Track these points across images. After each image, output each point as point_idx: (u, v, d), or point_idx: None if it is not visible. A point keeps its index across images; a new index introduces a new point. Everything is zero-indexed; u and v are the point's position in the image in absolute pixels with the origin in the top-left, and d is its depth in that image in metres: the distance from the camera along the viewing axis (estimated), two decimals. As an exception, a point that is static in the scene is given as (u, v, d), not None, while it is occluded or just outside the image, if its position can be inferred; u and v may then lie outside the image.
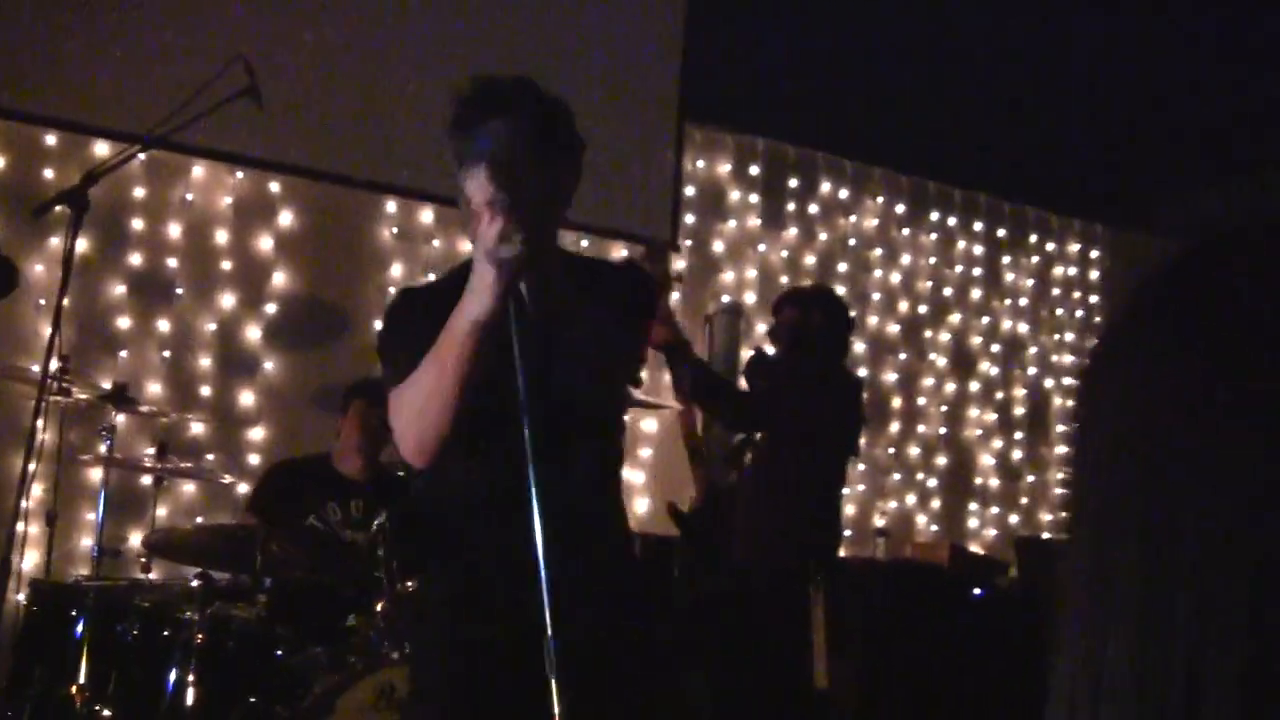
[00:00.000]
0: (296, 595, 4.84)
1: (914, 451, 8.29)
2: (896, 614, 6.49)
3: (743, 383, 6.16)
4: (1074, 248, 9.13)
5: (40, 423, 4.57)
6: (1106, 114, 7.93)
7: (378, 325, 6.67)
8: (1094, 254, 9.19)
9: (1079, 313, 9.11)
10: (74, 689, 4.61)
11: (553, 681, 2.23)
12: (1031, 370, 8.85)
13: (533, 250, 2.37)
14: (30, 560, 5.66)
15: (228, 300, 6.57)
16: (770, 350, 6.04)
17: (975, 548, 8.07)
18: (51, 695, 4.73)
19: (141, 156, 5.24)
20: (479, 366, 2.45)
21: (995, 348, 8.71)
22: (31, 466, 4.50)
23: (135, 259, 6.39)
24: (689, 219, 7.70)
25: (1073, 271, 9.12)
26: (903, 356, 8.32)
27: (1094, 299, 9.16)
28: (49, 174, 6.23)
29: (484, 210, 2.41)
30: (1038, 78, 7.77)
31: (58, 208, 4.67)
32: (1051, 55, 7.70)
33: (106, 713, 4.62)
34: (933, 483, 8.33)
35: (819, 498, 5.59)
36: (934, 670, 6.33)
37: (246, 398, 6.56)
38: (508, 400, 2.44)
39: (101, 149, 6.24)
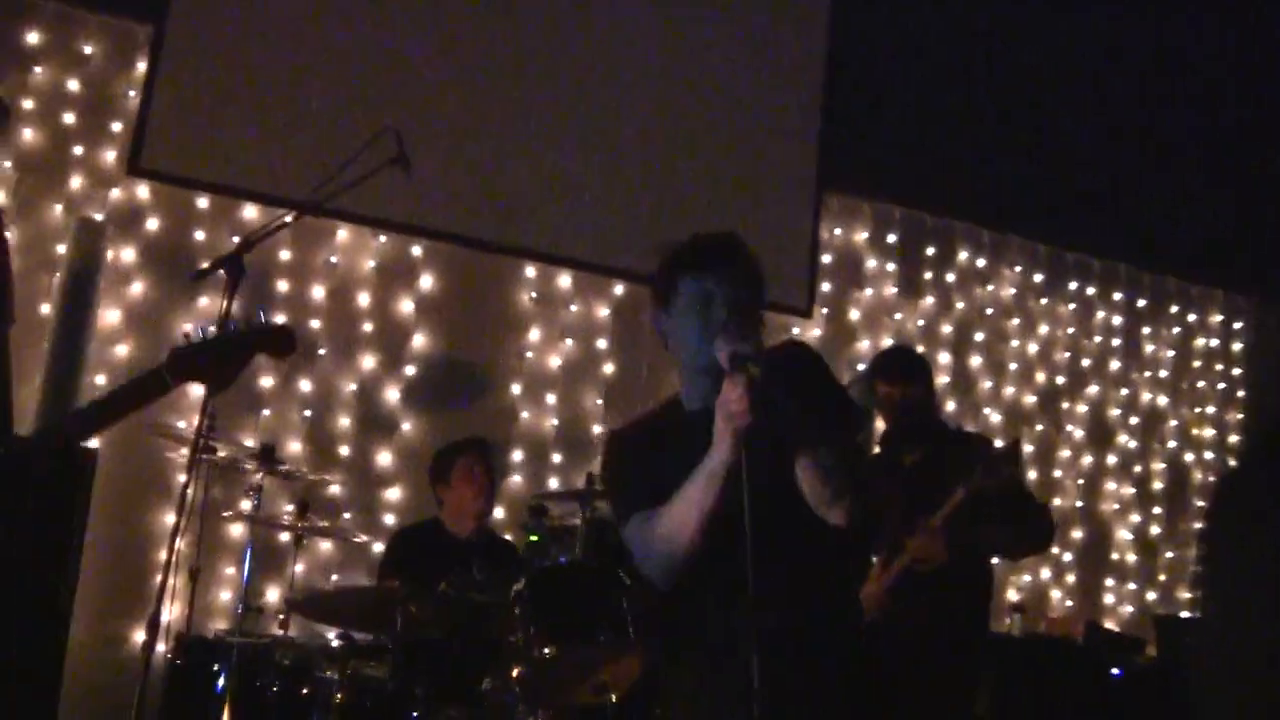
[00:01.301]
0: (433, 657, 4.88)
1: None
2: (1031, 689, 6.37)
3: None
4: (1216, 318, 8.95)
5: (189, 478, 4.67)
6: (1251, 184, 7.81)
7: (515, 388, 6.80)
8: (1237, 325, 9.00)
9: (1220, 385, 8.92)
10: (216, 742, 4.69)
11: None
12: (1171, 443, 8.67)
13: (761, 415, 2.71)
14: (171, 614, 5.76)
15: (368, 362, 6.68)
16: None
17: (1111, 624, 7.90)
18: (195, 747, 4.82)
19: (289, 220, 5.35)
20: (721, 500, 2.80)
21: (1134, 420, 8.55)
22: (180, 521, 4.60)
23: (280, 319, 6.49)
24: (825, 287, 7.69)
25: (1214, 343, 8.94)
26: (1039, 428, 8.20)
27: (1236, 371, 8.96)
28: (200, 235, 6.40)
29: (729, 375, 2.75)
30: (1179, 147, 7.68)
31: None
32: (1194, 125, 7.61)
33: (247, 767, 4.69)
34: (1068, 557, 8.18)
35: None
36: None
37: (384, 458, 6.65)
38: (732, 522, 2.70)
39: (250, 212, 6.41)
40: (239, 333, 3.20)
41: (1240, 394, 8.94)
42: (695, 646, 3.05)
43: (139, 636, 5.76)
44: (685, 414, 3.14)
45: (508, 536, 5.97)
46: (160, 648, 5.18)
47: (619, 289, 7.09)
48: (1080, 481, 8.30)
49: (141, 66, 6.40)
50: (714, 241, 3.10)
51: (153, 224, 6.38)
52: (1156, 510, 8.52)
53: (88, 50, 6.40)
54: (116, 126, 6.37)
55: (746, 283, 3.05)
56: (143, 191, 6.40)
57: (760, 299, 3.06)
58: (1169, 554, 8.49)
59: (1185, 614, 8.29)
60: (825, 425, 2.95)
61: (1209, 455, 8.75)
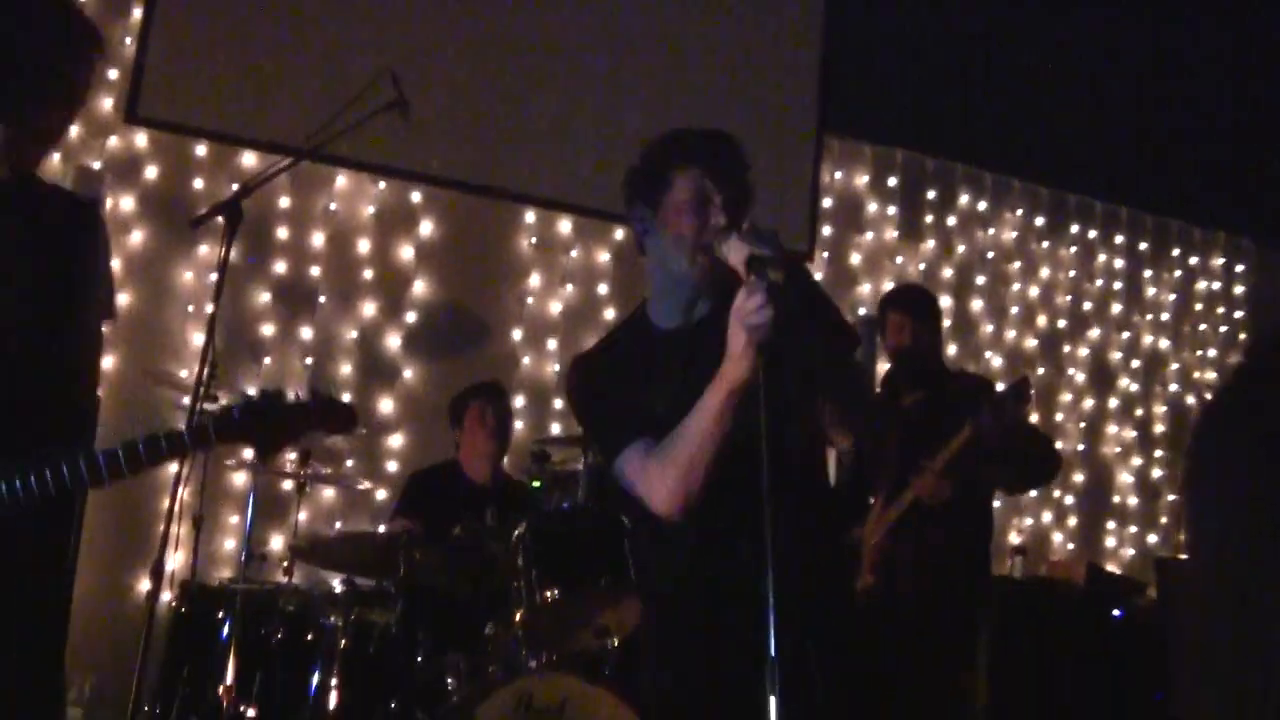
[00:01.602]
0: (437, 603, 4.90)
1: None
2: (1032, 633, 6.39)
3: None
4: (1218, 262, 8.93)
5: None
6: (1251, 126, 7.76)
7: (515, 334, 6.78)
8: (1239, 268, 8.98)
9: (1222, 328, 8.90)
10: (221, 689, 4.72)
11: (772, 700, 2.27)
12: (1173, 387, 8.66)
13: (780, 315, 2.49)
14: (176, 562, 5.78)
15: (369, 309, 6.67)
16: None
17: (1112, 567, 7.92)
18: (199, 694, 4.85)
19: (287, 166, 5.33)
20: (736, 422, 2.61)
21: (1135, 363, 8.54)
22: (183, 470, 4.61)
23: (280, 267, 6.51)
24: (826, 230, 7.67)
25: (1216, 286, 8.92)
26: (1041, 371, 8.19)
27: (1238, 314, 8.95)
28: (199, 184, 6.37)
29: (743, 273, 2.54)
30: (1182, 90, 7.63)
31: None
32: (1195, 66, 7.56)
33: (251, 713, 4.73)
34: (1070, 500, 8.19)
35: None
36: (1068, 691, 6.23)
37: (386, 405, 6.65)
38: (740, 447, 2.57)
39: (248, 159, 6.38)
40: (301, 404, 3.02)
41: (1242, 337, 8.92)
42: (697, 584, 2.85)
43: (144, 585, 5.77)
44: (658, 333, 2.95)
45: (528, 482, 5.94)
46: (165, 596, 5.19)
47: (619, 234, 7.07)
48: (1082, 425, 8.31)
49: (137, 13, 6.36)
50: (710, 136, 2.91)
51: (151, 172, 6.36)
52: (1158, 453, 8.53)
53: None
54: (113, 74, 6.33)
55: (744, 184, 2.85)
56: (140, 139, 6.37)
57: (751, 205, 2.85)
58: (1170, 497, 8.50)
59: (1186, 556, 8.30)
60: (837, 340, 2.88)
61: (1211, 398, 8.74)
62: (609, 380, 2.94)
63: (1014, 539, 7.81)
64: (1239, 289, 8.97)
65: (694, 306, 2.89)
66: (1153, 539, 8.37)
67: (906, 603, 4.99)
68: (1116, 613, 6.67)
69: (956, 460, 4.89)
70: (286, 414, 2.94)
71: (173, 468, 4.83)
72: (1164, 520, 8.46)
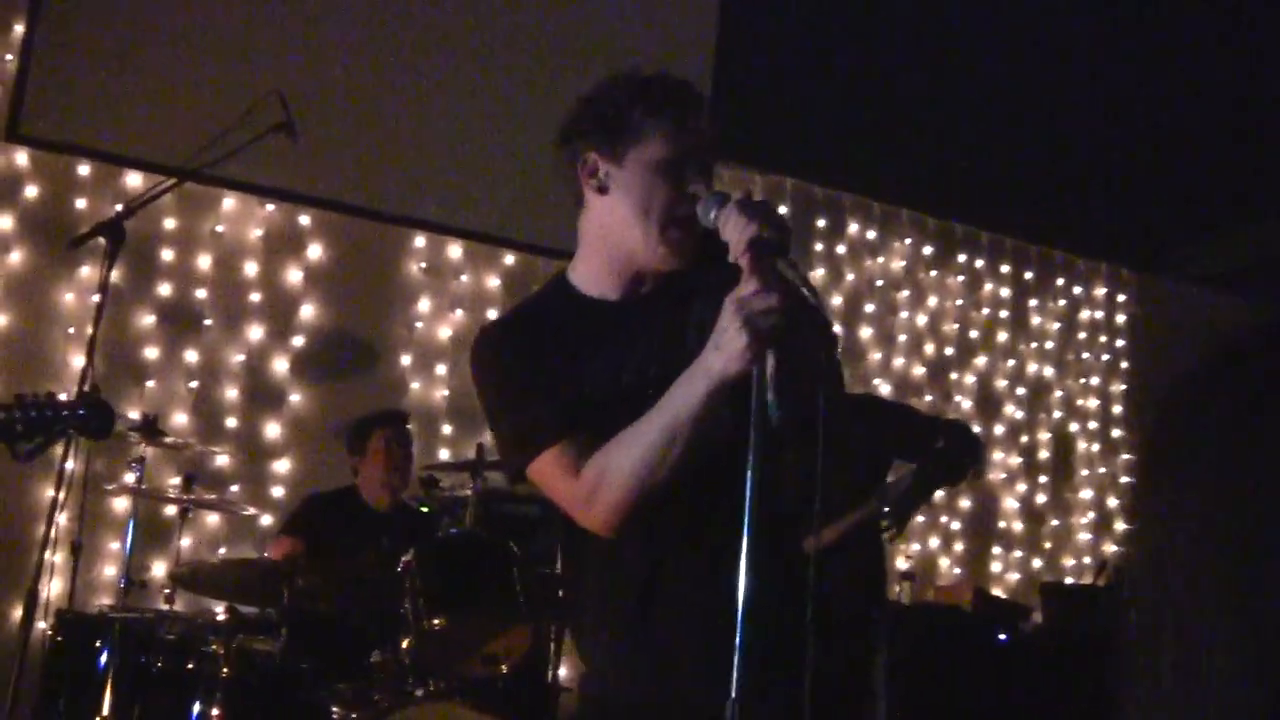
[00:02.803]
0: (321, 630, 4.84)
1: (938, 494, 8.24)
2: (920, 657, 6.44)
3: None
4: (1100, 291, 9.10)
5: (70, 453, 4.59)
6: (1133, 159, 7.92)
7: (404, 359, 6.73)
8: (1120, 298, 9.16)
9: (1105, 356, 9.07)
10: (98, 719, 4.61)
11: None
12: (1056, 414, 8.81)
13: (791, 313, 2.17)
14: (54, 589, 5.66)
15: (255, 332, 6.58)
16: None
17: (999, 592, 8.02)
18: (75, 725, 4.73)
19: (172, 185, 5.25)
20: (714, 426, 2.26)
21: (1020, 391, 8.68)
22: (60, 495, 4.51)
23: (164, 289, 6.41)
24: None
25: (1099, 315, 9.09)
26: (928, 398, 8.29)
27: (1120, 343, 9.13)
28: (81, 204, 6.25)
29: (740, 253, 2.21)
30: (1065, 122, 7.76)
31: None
32: (1079, 100, 7.69)
33: (130, 744, 4.62)
34: (956, 525, 8.29)
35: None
36: (958, 715, 6.28)
37: (272, 430, 6.56)
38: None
39: (134, 179, 6.28)
40: (59, 405, 3.11)
41: (1124, 365, 9.10)
42: (649, 609, 2.46)
43: (17, 614, 5.62)
44: (587, 301, 2.54)
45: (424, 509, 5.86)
46: (40, 624, 5.07)
47: (509, 259, 7.06)
48: (968, 451, 8.40)
49: (19, 29, 6.23)
50: (690, 89, 2.55)
51: (31, 191, 6.22)
52: (1043, 479, 8.66)
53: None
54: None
55: (715, 151, 2.53)
56: (21, 158, 6.23)
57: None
58: (1054, 522, 8.63)
59: (1070, 580, 8.44)
60: (827, 338, 2.47)
61: (1093, 425, 8.90)
62: (527, 355, 2.49)
63: (901, 564, 7.88)
64: (1121, 318, 9.15)
65: (642, 280, 2.53)
66: (1037, 563, 8.49)
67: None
68: (1002, 636, 6.74)
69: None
70: (49, 415, 3.03)
71: (49, 492, 4.75)
72: (1048, 545, 8.59)
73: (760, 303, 2.15)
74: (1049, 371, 8.84)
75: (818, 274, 8.07)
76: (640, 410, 2.34)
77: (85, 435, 3.23)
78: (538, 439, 2.42)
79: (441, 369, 6.93)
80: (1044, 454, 8.71)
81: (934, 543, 8.19)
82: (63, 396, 3.15)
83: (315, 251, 6.74)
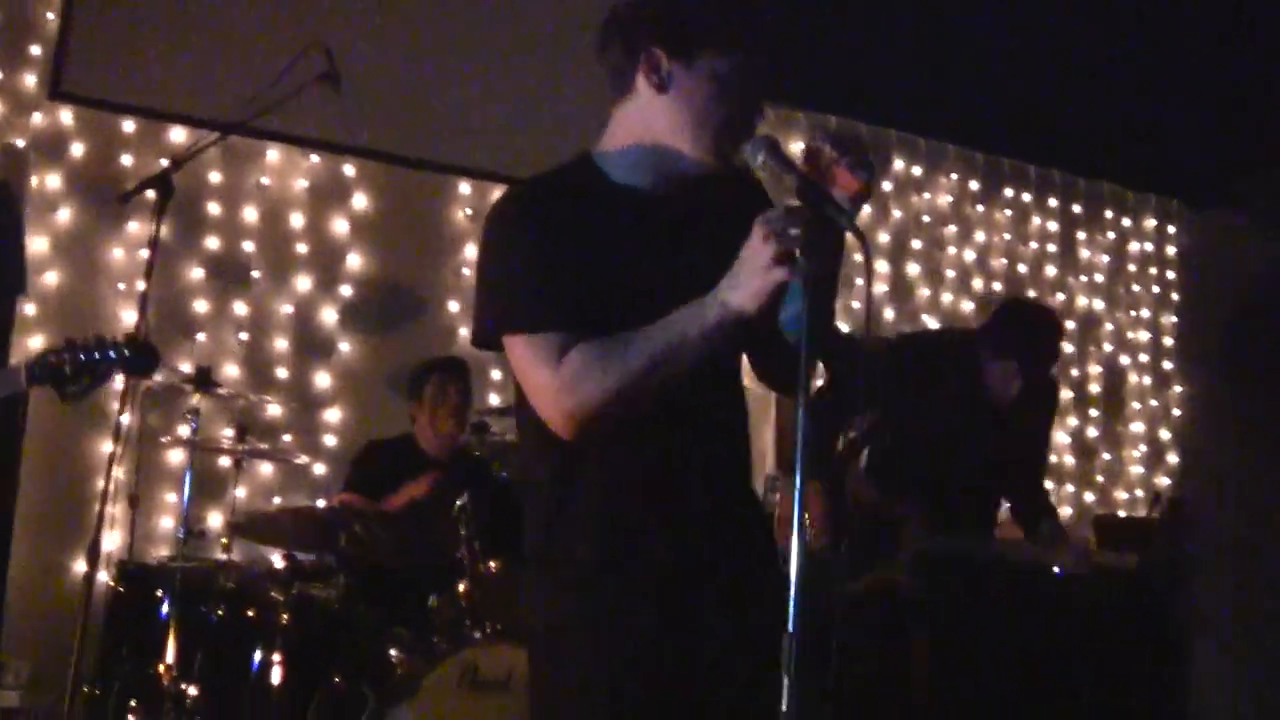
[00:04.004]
0: (379, 576, 4.88)
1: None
2: (979, 593, 6.44)
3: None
4: (1150, 223, 9.01)
5: (125, 405, 4.64)
6: (1183, 88, 7.82)
7: (453, 306, 6.75)
8: (1170, 229, 9.07)
9: (1155, 289, 8.99)
10: (161, 668, 4.68)
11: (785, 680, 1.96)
12: (1107, 347, 8.74)
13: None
14: (113, 541, 5.73)
15: (303, 283, 6.60)
16: None
17: (1051, 526, 7.99)
18: (139, 674, 4.81)
19: (217, 140, 5.26)
20: (713, 355, 2.24)
21: (1070, 325, 8.60)
22: (116, 449, 4.57)
23: (212, 243, 6.43)
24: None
25: (1149, 247, 9.00)
26: (977, 334, 8.24)
27: (1170, 275, 9.04)
28: (127, 160, 6.27)
29: (793, 212, 2.12)
30: (1113, 52, 7.66)
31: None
32: (1126, 30, 7.59)
33: (193, 691, 4.69)
34: (1008, 461, 8.25)
35: None
36: (1008, 654, 6.28)
37: (322, 380, 6.59)
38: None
39: (178, 135, 6.29)
40: (104, 346, 3.22)
41: (1174, 298, 9.02)
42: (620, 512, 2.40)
43: (80, 566, 5.71)
44: (614, 186, 2.46)
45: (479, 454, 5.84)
46: (101, 576, 5.16)
47: (555, 204, 7.04)
48: (1018, 387, 8.35)
49: (60, -12, 6.25)
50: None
51: (77, 149, 6.24)
52: (1093, 413, 8.61)
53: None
54: (36, 50, 6.22)
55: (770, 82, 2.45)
56: (66, 116, 6.25)
57: None
58: (1106, 455, 8.59)
59: (1123, 514, 8.40)
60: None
61: (1144, 358, 8.83)
62: (545, 230, 2.36)
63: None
64: (1171, 250, 9.06)
65: (674, 178, 2.45)
66: (1089, 497, 8.46)
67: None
68: (1056, 570, 6.73)
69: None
70: (96, 357, 3.10)
71: (106, 446, 4.79)
72: (1100, 479, 8.55)
73: (788, 240, 2.08)
74: (1099, 305, 8.77)
75: (864, 211, 8.00)
76: (648, 306, 2.27)
77: (131, 375, 3.32)
78: (528, 319, 2.32)
79: (490, 316, 6.93)
80: (1094, 387, 8.65)
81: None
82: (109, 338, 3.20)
83: (360, 201, 6.75)
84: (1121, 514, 8.40)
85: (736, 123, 2.36)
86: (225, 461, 5.80)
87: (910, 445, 4.99)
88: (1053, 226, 8.65)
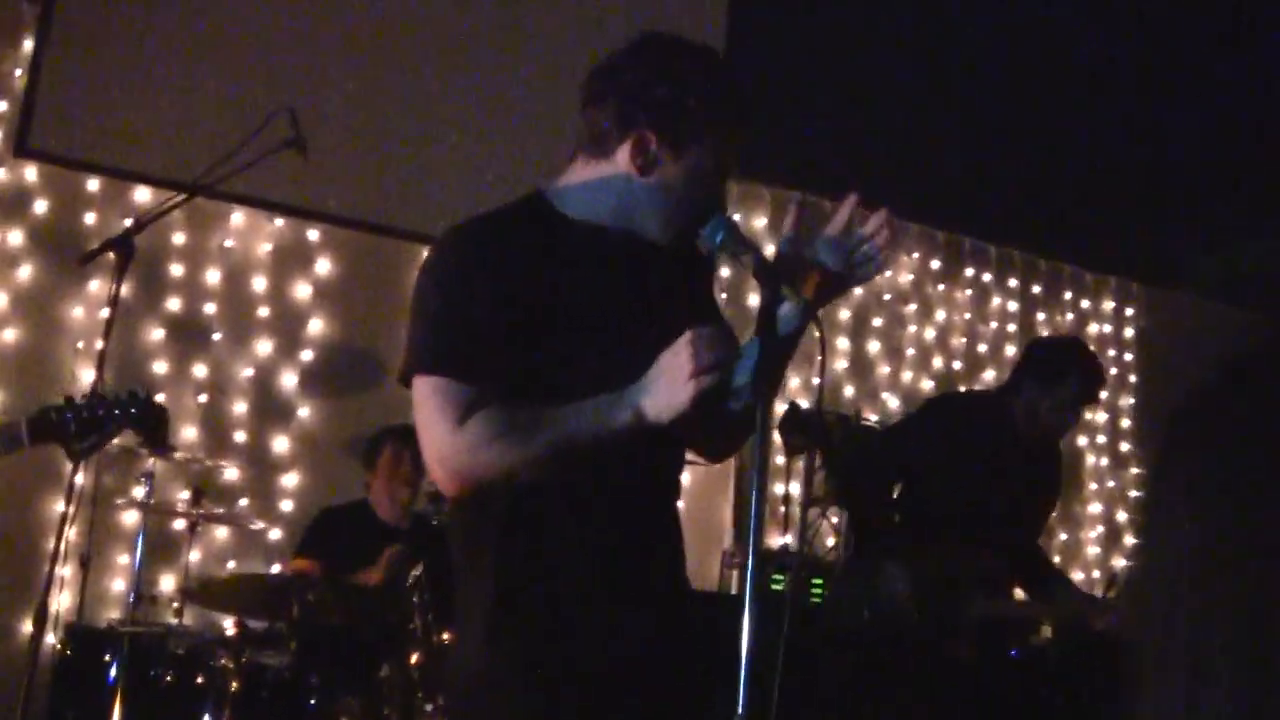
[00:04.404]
0: (331, 644, 4.84)
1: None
2: (929, 672, 6.42)
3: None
4: (1108, 305, 9.09)
5: (78, 466, 4.59)
6: (1141, 172, 7.92)
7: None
8: (1129, 311, 9.15)
9: (1113, 370, 9.05)
10: (107, 734, 4.61)
11: None
12: (1065, 428, 8.78)
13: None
14: (62, 603, 5.66)
15: (264, 347, 6.59)
16: None
17: (1007, 606, 7.99)
18: (84, 740, 4.74)
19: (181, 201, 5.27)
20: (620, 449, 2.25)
21: (1028, 405, 8.64)
22: (69, 509, 4.52)
23: (173, 304, 6.42)
24: (724, 272, 7.70)
25: (1107, 329, 9.07)
26: (936, 412, 8.27)
27: (1128, 356, 9.11)
28: (90, 219, 6.27)
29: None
30: (1072, 135, 7.77)
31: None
32: (1086, 113, 7.70)
33: (138, 759, 4.62)
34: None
35: None
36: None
37: (281, 444, 6.56)
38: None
39: (142, 194, 6.29)
40: (110, 404, 3.08)
41: (1132, 379, 9.09)
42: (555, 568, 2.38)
43: (26, 627, 5.63)
44: (567, 220, 2.44)
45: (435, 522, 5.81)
46: (49, 638, 5.08)
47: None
48: (977, 466, 8.38)
49: (28, 44, 6.25)
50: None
51: (40, 206, 6.24)
52: (1050, 494, 8.63)
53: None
54: (2, 106, 6.22)
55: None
56: (30, 173, 6.25)
57: None
58: (1063, 536, 8.61)
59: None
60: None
61: (1101, 439, 8.88)
62: (482, 270, 2.33)
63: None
64: (1129, 331, 9.14)
65: (637, 233, 2.44)
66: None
67: None
68: (1013, 652, 6.72)
69: None
70: (100, 415, 3.00)
71: (59, 506, 4.75)
72: (1057, 559, 8.55)
73: (712, 357, 2.13)
74: (1057, 385, 8.81)
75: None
76: (592, 336, 2.32)
77: (140, 434, 3.23)
78: (436, 364, 2.33)
79: (450, 383, 6.92)
80: (1052, 468, 8.68)
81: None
82: (111, 396, 3.13)
83: (324, 266, 6.75)
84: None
85: (705, 210, 2.36)
86: (180, 525, 5.75)
87: (949, 503, 4.98)
88: (1013, 306, 8.72)
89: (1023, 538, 5.40)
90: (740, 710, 2.00)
